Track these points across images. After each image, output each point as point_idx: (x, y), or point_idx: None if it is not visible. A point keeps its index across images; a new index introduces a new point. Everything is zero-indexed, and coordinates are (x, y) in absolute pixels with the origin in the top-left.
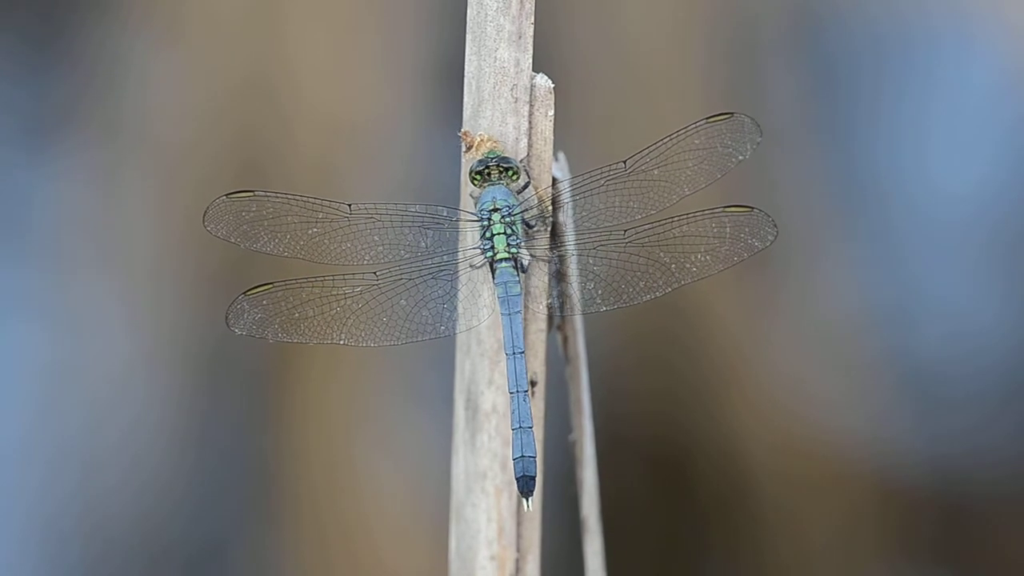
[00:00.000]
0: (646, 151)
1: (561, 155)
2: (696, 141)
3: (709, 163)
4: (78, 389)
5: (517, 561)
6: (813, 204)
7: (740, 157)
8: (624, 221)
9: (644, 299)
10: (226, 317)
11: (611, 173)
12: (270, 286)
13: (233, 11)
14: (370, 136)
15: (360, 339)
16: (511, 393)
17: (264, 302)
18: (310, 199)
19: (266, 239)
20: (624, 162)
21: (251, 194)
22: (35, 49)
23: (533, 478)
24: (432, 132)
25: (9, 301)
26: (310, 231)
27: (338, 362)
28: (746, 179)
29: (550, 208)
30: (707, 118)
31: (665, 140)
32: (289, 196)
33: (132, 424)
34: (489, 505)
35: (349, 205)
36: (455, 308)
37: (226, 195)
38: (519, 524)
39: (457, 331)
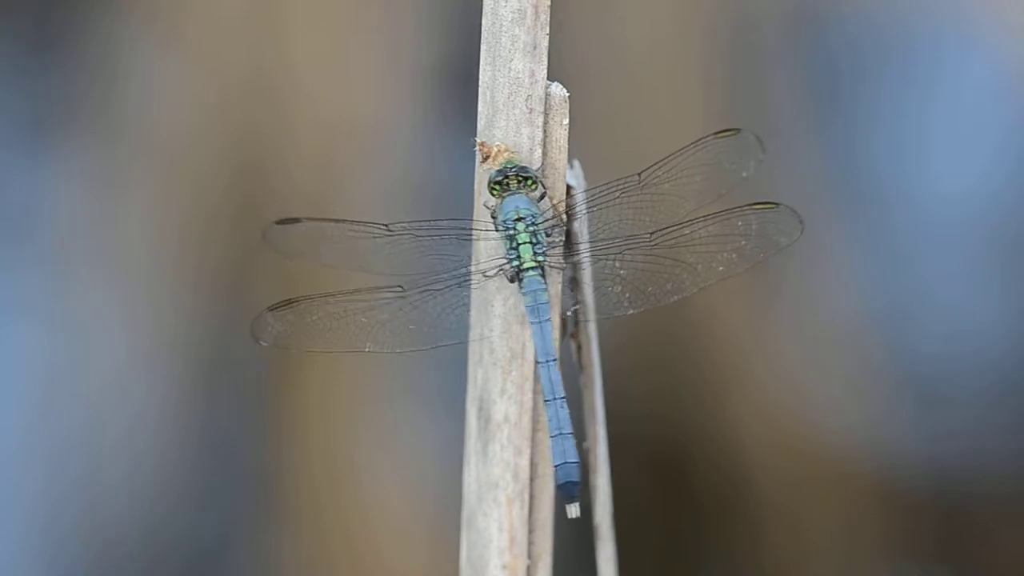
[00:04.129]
0: (658, 165)
1: (576, 163)
2: (704, 156)
3: (715, 179)
4: (78, 389)
5: (528, 569)
6: (813, 204)
7: (744, 174)
8: (636, 234)
9: (672, 300)
10: (251, 330)
11: (626, 185)
12: (294, 303)
13: (233, 11)
14: (370, 136)
15: (387, 346)
16: (547, 401)
17: (288, 317)
18: (349, 222)
19: (328, 254)
20: (639, 174)
21: (297, 221)
22: (34, 52)
23: (577, 483)
24: (432, 132)
25: (9, 302)
26: (358, 247)
27: (339, 364)
28: (746, 180)
29: (565, 217)
30: (715, 134)
31: (676, 154)
32: (331, 222)
33: (132, 424)
34: (501, 515)
35: (387, 225)
36: (470, 318)
37: (275, 222)
38: (531, 532)
39: (470, 340)
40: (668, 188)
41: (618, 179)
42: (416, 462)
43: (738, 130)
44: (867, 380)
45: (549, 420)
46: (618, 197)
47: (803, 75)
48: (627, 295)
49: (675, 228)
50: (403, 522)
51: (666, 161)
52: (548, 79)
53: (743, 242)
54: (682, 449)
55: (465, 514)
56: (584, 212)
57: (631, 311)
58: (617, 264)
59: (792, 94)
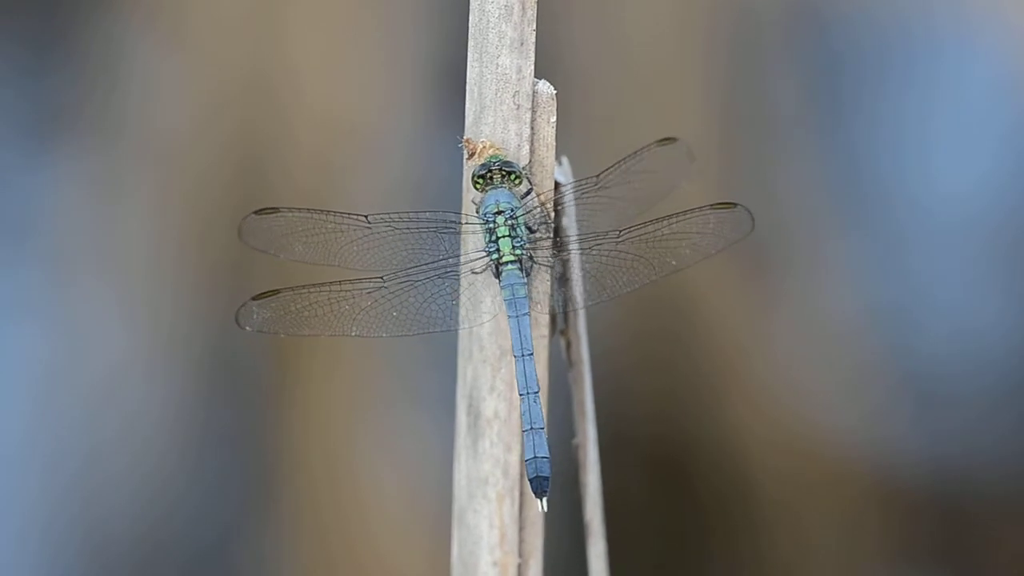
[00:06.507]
0: (611, 169)
1: (564, 159)
2: (647, 164)
3: (654, 186)
4: (76, 388)
5: (519, 566)
6: (814, 203)
7: (681, 182)
8: (606, 231)
9: (624, 292)
10: (236, 318)
11: (584, 186)
12: (277, 293)
13: (233, 11)
14: (369, 135)
15: (372, 331)
16: (521, 395)
17: (272, 305)
18: (328, 213)
19: (300, 249)
20: (596, 176)
21: (276, 211)
22: (35, 51)
23: (547, 478)
24: (431, 131)
25: (8, 301)
26: (337, 240)
27: (338, 362)
28: (746, 179)
29: (552, 213)
30: (657, 141)
31: (626, 160)
32: (312, 212)
33: (131, 423)
34: (491, 511)
35: (366, 216)
36: (458, 309)
37: (255, 212)
38: (522, 529)
39: (459, 329)
40: (617, 192)
41: (577, 180)
42: (415, 462)
43: (675, 139)
44: (867, 379)
45: (522, 414)
46: (577, 198)
47: (803, 75)
48: (586, 288)
49: (641, 226)
50: (402, 522)
51: (617, 165)
52: (540, 76)
53: (699, 238)
54: (682, 449)
55: (456, 510)
56: (572, 208)
57: (589, 303)
58: (584, 259)
59: (792, 94)
